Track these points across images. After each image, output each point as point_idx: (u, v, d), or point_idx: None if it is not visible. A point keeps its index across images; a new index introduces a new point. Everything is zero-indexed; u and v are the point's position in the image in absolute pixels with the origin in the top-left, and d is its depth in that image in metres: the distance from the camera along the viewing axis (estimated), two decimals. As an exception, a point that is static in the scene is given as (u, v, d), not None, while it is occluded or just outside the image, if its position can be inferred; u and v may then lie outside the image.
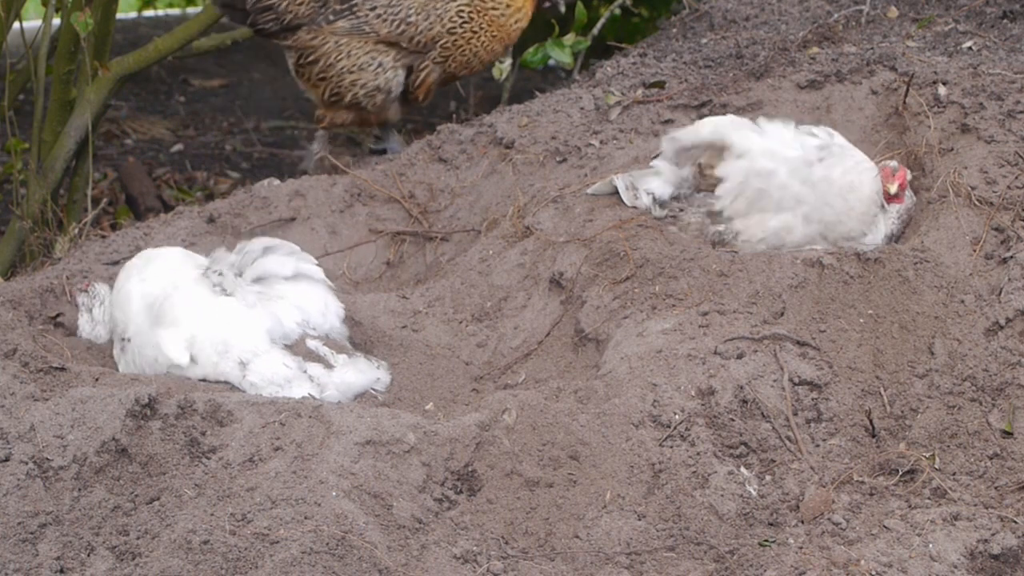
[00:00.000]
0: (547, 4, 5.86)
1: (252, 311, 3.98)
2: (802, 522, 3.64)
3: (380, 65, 5.53)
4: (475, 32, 5.64)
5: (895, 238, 4.44)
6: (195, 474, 3.53)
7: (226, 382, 3.93)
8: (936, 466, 3.77)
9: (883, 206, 4.42)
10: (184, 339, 3.96)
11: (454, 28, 5.59)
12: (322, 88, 5.60)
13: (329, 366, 4.01)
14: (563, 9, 5.94)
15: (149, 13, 11.92)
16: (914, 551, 3.45)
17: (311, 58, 5.56)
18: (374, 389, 4.05)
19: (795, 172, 4.39)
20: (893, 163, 4.46)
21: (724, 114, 5.01)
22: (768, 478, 3.76)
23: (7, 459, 3.50)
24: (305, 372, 3.96)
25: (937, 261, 4.18)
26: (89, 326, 4.32)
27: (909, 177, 4.47)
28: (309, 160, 5.90)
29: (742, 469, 3.75)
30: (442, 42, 5.59)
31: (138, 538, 3.42)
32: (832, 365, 3.97)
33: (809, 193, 4.38)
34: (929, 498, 3.68)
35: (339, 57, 5.51)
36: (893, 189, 4.39)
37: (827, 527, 3.60)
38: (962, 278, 4.14)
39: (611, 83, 5.37)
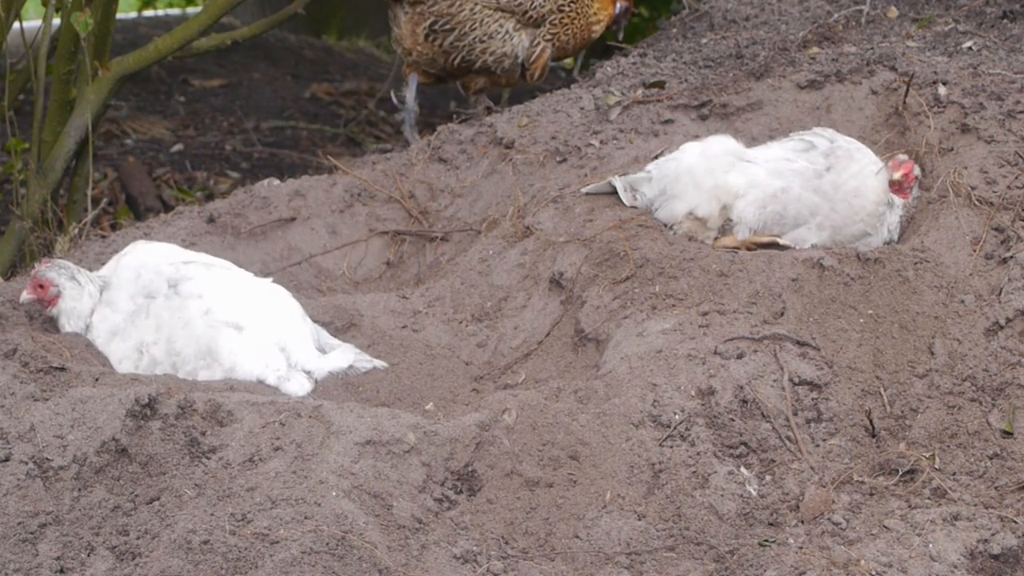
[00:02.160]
0: (615, 27, 6.10)
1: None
2: (802, 522, 3.63)
3: (507, 32, 5.71)
4: (575, 16, 5.85)
5: (898, 234, 4.44)
6: (195, 474, 3.53)
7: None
8: (936, 466, 3.77)
9: (890, 203, 4.42)
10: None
11: (563, 6, 5.80)
12: (453, 55, 5.74)
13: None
14: (621, 36, 6.15)
15: (149, 13, 11.95)
16: (914, 551, 3.45)
17: (447, 26, 5.71)
18: (364, 359, 4.23)
19: (807, 183, 4.39)
20: (903, 156, 4.44)
21: (724, 113, 5.01)
22: (768, 478, 3.76)
23: (7, 459, 3.50)
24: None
25: (937, 261, 4.18)
26: (76, 292, 4.22)
27: (918, 172, 4.45)
28: (409, 119, 5.96)
29: (742, 469, 3.75)
30: (551, 19, 5.79)
31: (138, 538, 3.42)
32: (832, 365, 3.97)
33: (821, 203, 4.38)
34: (929, 498, 3.67)
35: (473, 27, 5.69)
36: (897, 176, 4.37)
37: (827, 527, 3.60)
38: (962, 278, 4.14)
39: (611, 83, 5.37)
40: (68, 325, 4.25)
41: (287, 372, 4.08)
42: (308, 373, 4.11)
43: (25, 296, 4.27)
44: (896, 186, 4.40)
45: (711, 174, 4.43)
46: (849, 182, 4.38)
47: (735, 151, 4.48)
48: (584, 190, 4.69)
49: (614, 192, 4.66)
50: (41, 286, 4.24)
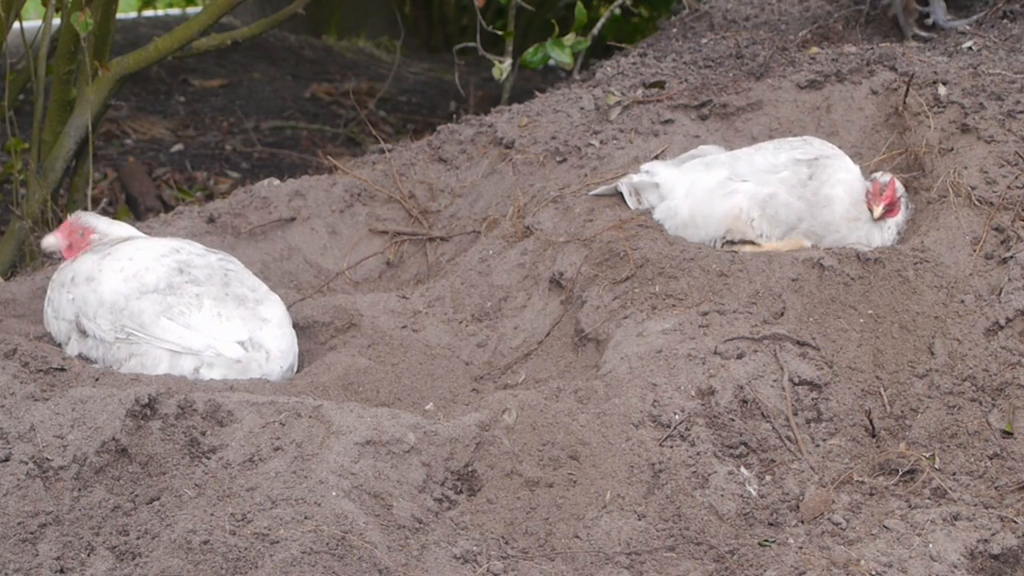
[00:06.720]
0: None
1: None
2: (802, 522, 3.63)
3: None
4: None
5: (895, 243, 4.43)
6: (195, 474, 3.53)
7: None
8: (936, 466, 3.77)
9: (867, 219, 4.39)
10: None
11: None
12: None
13: None
14: None
15: (149, 13, 11.96)
16: (914, 551, 3.45)
17: None
18: None
19: (792, 191, 4.39)
20: (884, 178, 4.41)
21: (724, 113, 5.01)
22: (768, 478, 3.76)
23: (7, 459, 3.50)
24: None
25: (937, 261, 4.18)
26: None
27: (901, 192, 4.42)
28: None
29: (742, 469, 3.75)
30: None
31: (138, 538, 3.42)
32: (832, 365, 3.97)
33: (806, 210, 4.39)
34: (929, 498, 3.67)
35: None
36: (877, 213, 4.36)
37: (827, 527, 3.60)
38: (962, 278, 4.14)
39: (611, 83, 5.37)
40: None
41: None
42: None
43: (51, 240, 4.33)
44: (883, 214, 4.38)
45: (710, 217, 4.45)
46: (821, 191, 4.38)
47: (720, 182, 4.48)
48: (590, 193, 4.70)
49: (616, 193, 4.67)
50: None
